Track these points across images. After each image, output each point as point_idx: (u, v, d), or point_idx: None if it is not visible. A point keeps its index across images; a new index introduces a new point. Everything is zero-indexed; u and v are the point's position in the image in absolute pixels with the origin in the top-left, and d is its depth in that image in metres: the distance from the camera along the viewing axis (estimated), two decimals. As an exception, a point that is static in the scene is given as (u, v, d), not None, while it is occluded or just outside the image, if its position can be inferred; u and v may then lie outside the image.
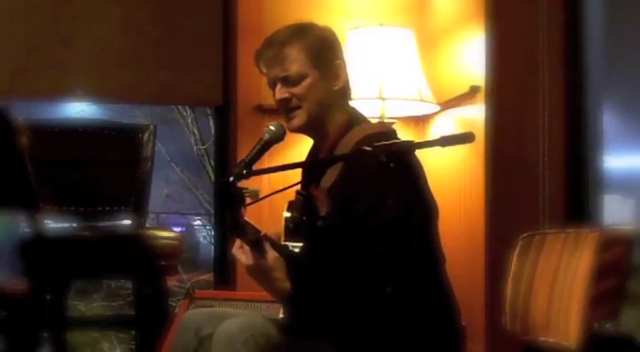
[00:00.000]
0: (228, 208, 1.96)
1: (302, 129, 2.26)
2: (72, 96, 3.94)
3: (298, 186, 2.30)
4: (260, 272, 2.01)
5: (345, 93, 2.28)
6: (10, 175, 2.64)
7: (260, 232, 1.98)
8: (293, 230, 2.16)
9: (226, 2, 3.79)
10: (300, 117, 2.22)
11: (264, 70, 2.26)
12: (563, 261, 2.20)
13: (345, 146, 2.18)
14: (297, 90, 2.21)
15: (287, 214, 2.18)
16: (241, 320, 2.09)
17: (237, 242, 2.01)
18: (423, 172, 2.15)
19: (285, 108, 2.24)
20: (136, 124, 4.10)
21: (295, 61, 2.20)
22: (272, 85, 2.26)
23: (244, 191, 1.94)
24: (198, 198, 8.31)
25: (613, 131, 3.17)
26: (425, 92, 3.42)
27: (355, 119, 2.26)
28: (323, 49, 2.24)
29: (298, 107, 2.22)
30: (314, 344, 2.05)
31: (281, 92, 2.22)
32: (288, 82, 2.21)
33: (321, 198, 2.17)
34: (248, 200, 1.95)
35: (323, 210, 2.16)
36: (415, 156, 2.14)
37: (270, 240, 2.00)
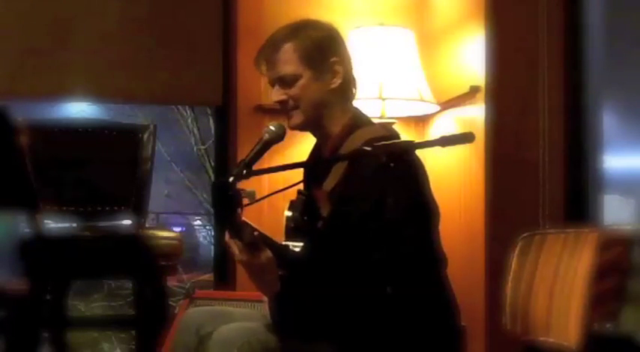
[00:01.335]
0: (225, 209, 1.96)
1: (301, 128, 2.26)
2: (72, 96, 3.94)
3: (299, 186, 2.30)
4: (251, 270, 2.02)
5: (345, 90, 2.26)
6: (10, 175, 2.64)
7: (256, 232, 1.98)
8: (294, 229, 2.16)
9: (226, 2, 3.79)
10: (297, 117, 2.23)
11: (263, 70, 2.26)
12: (563, 261, 2.20)
13: (349, 148, 2.17)
14: (292, 91, 2.21)
15: (288, 213, 2.19)
16: (238, 325, 2.09)
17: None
18: (425, 172, 2.15)
19: (283, 109, 2.25)
20: (136, 124, 4.09)
21: (288, 61, 2.20)
22: (272, 85, 2.27)
23: (241, 192, 1.95)
24: (198, 198, 8.31)
25: (613, 131, 3.17)
26: (425, 92, 3.42)
27: (359, 120, 2.25)
28: (316, 48, 2.23)
29: (296, 107, 2.22)
30: (308, 346, 2.05)
31: (277, 93, 2.23)
32: (283, 82, 2.22)
33: (322, 200, 2.17)
34: (245, 201, 1.95)
35: (324, 211, 2.16)
36: (417, 156, 2.14)
37: (266, 240, 2.00)
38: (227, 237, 2.00)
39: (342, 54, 2.27)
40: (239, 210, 1.94)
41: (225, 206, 1.95)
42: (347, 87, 2.27)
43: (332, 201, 2.13)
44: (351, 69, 2.29)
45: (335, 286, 2.01)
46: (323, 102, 2.22)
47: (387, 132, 2.25)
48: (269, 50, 2.24)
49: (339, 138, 2.21)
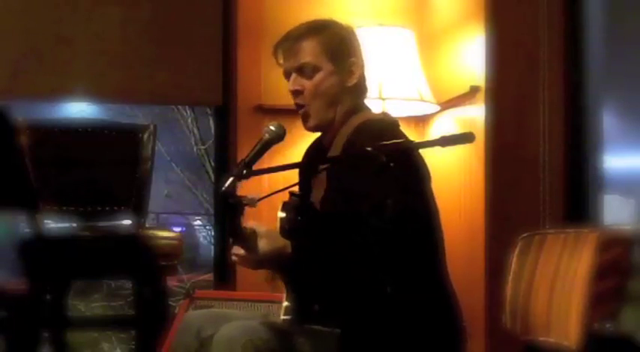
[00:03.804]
0: (226, 217, 1.98)
1: (318, 128, 2.29)
2: (72, 96, 3.94)
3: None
4: (259, 263, 2.06)
5: (358, 91, 2.31)
6: (10, 175, 2.64)
7: (254, 232, 2.01)
8: (287, 231, 2.16)
9: (226, 2, 3.79)
10: (313, 118, 2.26)
11: (280, 60, 2.29)
12: (563, 261, 2.20)
13: (347, 131, 2.21)
14: (309, 82, 2.24)
15: (281, 214, 2.19)
16: (241, 323, 2.10)
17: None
18: (427, 172, 2.16)
19: (296, 101, 2.27)
20: (136, 124, 4.09)
21: (310, 53, 2.24)
22: (287, 76, 2.29)
23: (242, 199, 1.95)
24: (198, 198, 8.31)
25: (613, 131, 3.17)
26: (425, 92, 3.42)
27: (357, 107, 2.30)
28: (339, 45, 2.28)
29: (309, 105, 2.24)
30: (319, 333, 2.07)
31: (294, 83, 2.26)
32: (302, 72, 2.25)
33: (317, 187, 2.19)
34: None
35: (320, 189, 2.17)
36: (419, 155, 2.15)
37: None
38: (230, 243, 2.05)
39: (360, 56, 2.31)
40: (240, 217, 1.96)
41: (228, 214, 1.97)
42: (361, 88, 2.31)
43: (329, 176, 2.15)
44: (364, 73, 2.32)
45: (335, 283, 2.03)
46: (337, 97, 2.26)
47: (384, 116, 2.29)
48: (291, 41, 2.27)
49: (339, 124, 2.26)
